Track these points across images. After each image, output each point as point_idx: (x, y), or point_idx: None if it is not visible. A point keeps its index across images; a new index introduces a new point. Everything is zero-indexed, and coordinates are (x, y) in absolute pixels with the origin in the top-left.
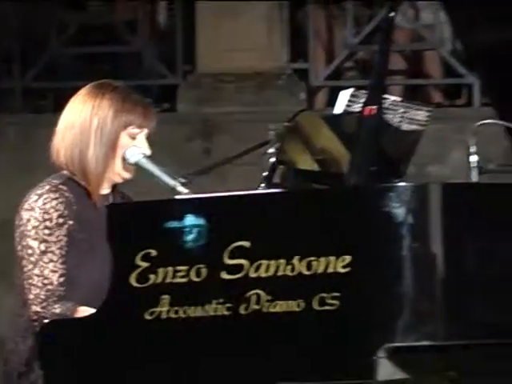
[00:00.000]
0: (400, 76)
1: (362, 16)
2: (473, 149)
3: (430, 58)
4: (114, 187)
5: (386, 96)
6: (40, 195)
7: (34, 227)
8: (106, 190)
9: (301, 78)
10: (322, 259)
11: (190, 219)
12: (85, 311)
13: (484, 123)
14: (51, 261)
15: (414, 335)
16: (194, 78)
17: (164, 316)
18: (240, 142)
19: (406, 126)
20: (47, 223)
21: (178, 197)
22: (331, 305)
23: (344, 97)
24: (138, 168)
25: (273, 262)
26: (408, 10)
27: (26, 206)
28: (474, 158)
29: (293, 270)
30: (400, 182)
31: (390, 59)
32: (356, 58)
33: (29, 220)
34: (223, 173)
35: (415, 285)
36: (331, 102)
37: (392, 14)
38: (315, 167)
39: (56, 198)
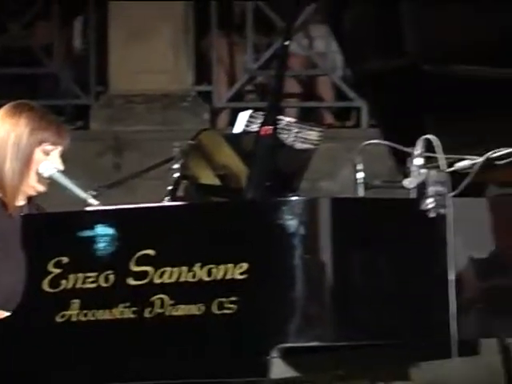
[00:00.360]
0: (295, 99)
1: (260, 43)
2: (359, 166)
3: (323, 83)
4: (30, 199)
5: (281, 117)
6: None
7: None
8: (21, 201)
9: (205, 99)
10: (221, 266)
11: (99, 229)
12: (1, 314)
13: (370, 143)
14: None
15: (304, 337)
16: (105, 98)
17: (74, 319)
18: (148, 158)
19: (299, 145)
20: None
21: (88, 208)
22: (229, 308)
23: (243, 117)
24: (52, 181)
25: (176, 269)
26: (303, 38)
27: None
28: (360, 175)
29: (194, 276)
30: (293, 196)
31: (286, 83)
32: (255, 82)
33: None
34: (132, 186)
35: (306, 291)
36: (233, 122)
37: (287, 43)
38: (216, 182)
39: None
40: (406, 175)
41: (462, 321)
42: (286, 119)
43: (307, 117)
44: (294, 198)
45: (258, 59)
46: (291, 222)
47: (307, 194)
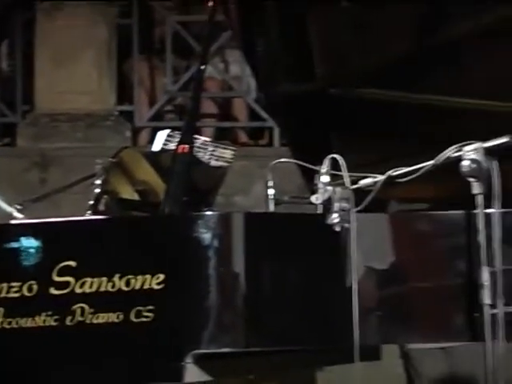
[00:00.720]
0: (212, 119)
1: (180, 66)
2: (270, 183)
3: (238, 105)
4: None
5: (197, 136)
6: None
7: None
8: None
9: (126, 119)
10: (139, 277)
11: (24, 241)
12: None
13: (280, 161)
14: None
15: (217, 344)
16: (32, 117)
17: None
18: (71, 174)
19: (214, 163)
20: None
21: (13, 221)
22: (146, 317)
23: (161, 136)
24: None
25: (96, 280)
26: (219, 63)
27: None
28: (271, 191)
29: (113, 286)
30: (208, 210)
31: (204, 105)
32: (175, 102)
33: None
34: (56, 200)
35: (219, 301)
36: (153, 140)
37: (203, 67)
38: (135, 197)
39: None
40: (314, 192)
41: (364, 328)
42: (202, 138)
43: (223, 136)
44: (208, 213)
45: (177, 81)
46: (206, 235)
47: (222, 208)
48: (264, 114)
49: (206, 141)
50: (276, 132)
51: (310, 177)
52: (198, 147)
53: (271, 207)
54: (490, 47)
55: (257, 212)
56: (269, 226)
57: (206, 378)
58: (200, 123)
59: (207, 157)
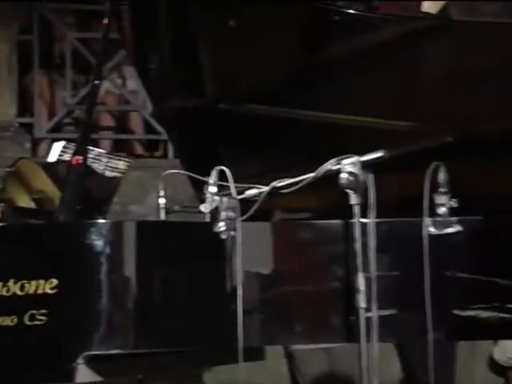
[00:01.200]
0: (109, 132)
1: (78, 81)
2: (162, 193)
3: (134, 118)
4: None
5: (91, 148)
6: None
7: None
8: None
9: (27, 130)
10: (33, 282)
11: None
12: None
13: (170, 172)
14: None
15: (107, 345)
16: None
17: None
18: None
19: (108, 173)
20: None
21: None
22: (40, 320)
23: (57, 148)
24: None
25: None
26: (117, 78)
27: None
28: (162, 201)
29: (8, 290)
30: (102, 218)
31: (102, 118)
32: (73, 115)
33: None
34: None
35: (110, 305)
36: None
37: (97, 82)
38: (32, 205)
39: None
40: (203, 201)
41: (248, 330)
42: (97, 150)
43: (120, 148)
44: (101, 221)
45: (76, 95)
46: (98, 242)
47: (117, 216)
48: (159, 128)
49: (101, 152)
50: (170, 144)
51: (199, 187)
52: (93, 158)
53: (162, 216)
54: (367, 67)
55: (148, 220)
56: (159, 233)
57: (96, 378)
58: (98, 135)
59: (102, 167)
